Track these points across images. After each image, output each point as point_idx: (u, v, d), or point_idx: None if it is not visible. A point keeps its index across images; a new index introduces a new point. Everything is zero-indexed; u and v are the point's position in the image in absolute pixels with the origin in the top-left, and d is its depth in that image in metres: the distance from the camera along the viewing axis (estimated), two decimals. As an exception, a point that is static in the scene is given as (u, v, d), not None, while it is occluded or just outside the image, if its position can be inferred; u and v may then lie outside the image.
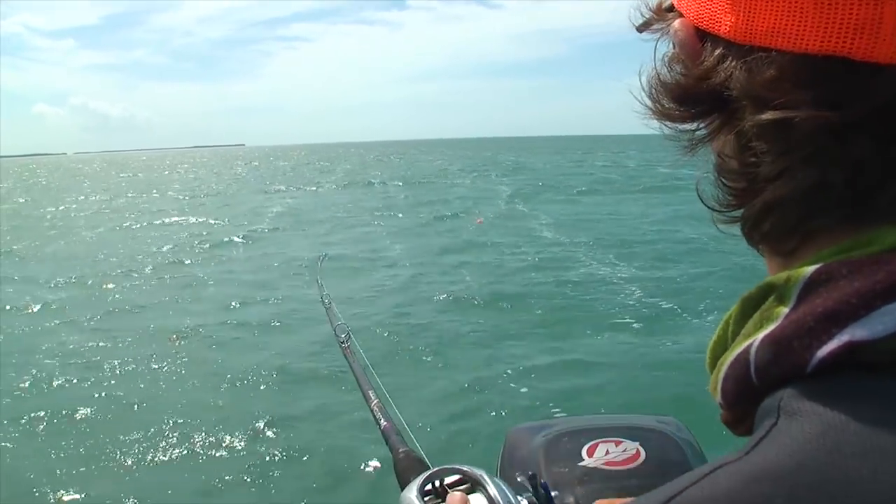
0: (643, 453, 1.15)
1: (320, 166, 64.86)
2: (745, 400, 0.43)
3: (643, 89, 0.55)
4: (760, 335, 0.42)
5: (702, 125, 0.50)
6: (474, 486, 0.84)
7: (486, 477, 0.84)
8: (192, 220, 23.47)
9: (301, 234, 19.45)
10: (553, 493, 0.87)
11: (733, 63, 0.45)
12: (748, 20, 0.44)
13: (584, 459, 1.14)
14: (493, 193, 29.59)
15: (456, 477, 0.87)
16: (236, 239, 18.19)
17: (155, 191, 40.96)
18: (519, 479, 0.87)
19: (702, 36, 0.49)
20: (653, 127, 0.55)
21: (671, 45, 0.54)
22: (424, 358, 7.69)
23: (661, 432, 1.25)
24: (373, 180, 41.28)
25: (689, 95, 0.49)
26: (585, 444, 1.17)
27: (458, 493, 0.80)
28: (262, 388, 7.10)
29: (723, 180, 0.49)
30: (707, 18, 0.48)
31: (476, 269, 12.63)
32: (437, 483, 0.86)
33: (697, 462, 1.23)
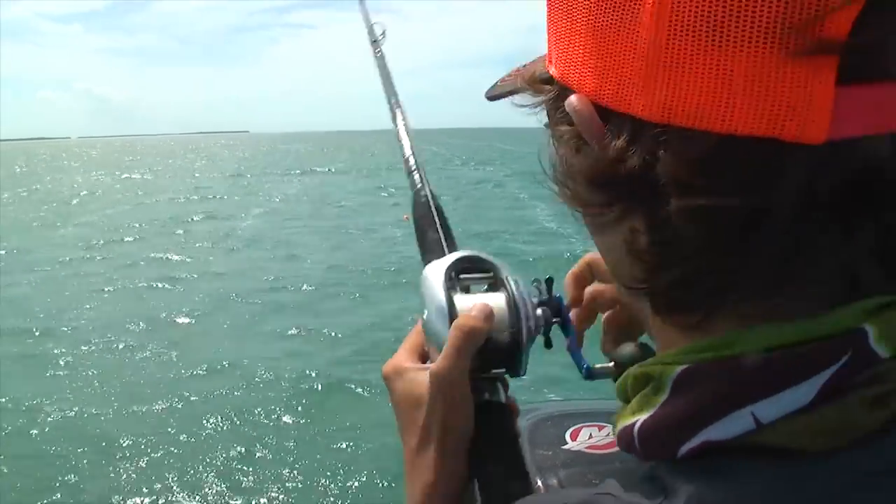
0: None
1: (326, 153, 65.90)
2: (633, 452, 0.49)
3: (545, 171, 0.52)
4: (642, 418, 0.47)
5: (613, 208, 0.47)
6: (497, 282, 0.75)
7: (510, 278, 0.74)
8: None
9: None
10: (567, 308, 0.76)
11: (650, 144, 0.43)
12: (667, 99, 0.41)
13: (567, 443, 1.15)
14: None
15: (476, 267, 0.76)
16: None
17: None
18: (534, 285, 0.76)
19: (603, 113, 0.46)
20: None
21: (556, 120, 0.51)
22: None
23: None
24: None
25: (604, 179, 0.46)
26: (569, 427, 1.17)
27: (481, 303, 0.70)
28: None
29: (633, 255, 0.47)
30: (611, 96, 0.45)
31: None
32: (457, 270, 0.75)
33: None
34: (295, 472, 5.42)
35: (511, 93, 0.56)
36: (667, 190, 0.43)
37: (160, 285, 11.47)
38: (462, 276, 0.76)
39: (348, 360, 7.70)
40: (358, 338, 8.52)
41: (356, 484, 5.20)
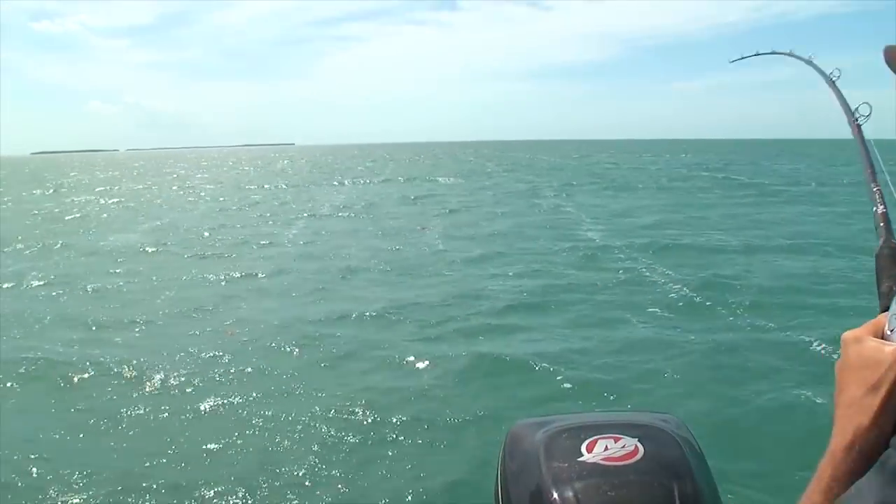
0: (641, 449, 1.15)
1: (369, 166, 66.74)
2: None
3: None
4: None
5: None
6: None
7: None
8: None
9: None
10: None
11: None
12: None
13: (583, 455, 1.15)
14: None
15: None
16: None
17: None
18: None
19: None
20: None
21: None
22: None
23: (660, 429, 1.24)
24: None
25: None
26: (585, 440, 1.17)
27: None
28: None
29: None
30: None
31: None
32: None
33: (695, 459, 1.24)
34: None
35: None
36: None
37: (216, 278, 12.43)
38: None
39: (365, 338, 8.75)
40: (376, 318, 9.62)
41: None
